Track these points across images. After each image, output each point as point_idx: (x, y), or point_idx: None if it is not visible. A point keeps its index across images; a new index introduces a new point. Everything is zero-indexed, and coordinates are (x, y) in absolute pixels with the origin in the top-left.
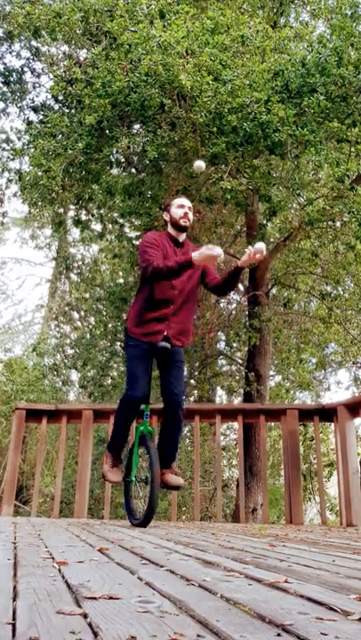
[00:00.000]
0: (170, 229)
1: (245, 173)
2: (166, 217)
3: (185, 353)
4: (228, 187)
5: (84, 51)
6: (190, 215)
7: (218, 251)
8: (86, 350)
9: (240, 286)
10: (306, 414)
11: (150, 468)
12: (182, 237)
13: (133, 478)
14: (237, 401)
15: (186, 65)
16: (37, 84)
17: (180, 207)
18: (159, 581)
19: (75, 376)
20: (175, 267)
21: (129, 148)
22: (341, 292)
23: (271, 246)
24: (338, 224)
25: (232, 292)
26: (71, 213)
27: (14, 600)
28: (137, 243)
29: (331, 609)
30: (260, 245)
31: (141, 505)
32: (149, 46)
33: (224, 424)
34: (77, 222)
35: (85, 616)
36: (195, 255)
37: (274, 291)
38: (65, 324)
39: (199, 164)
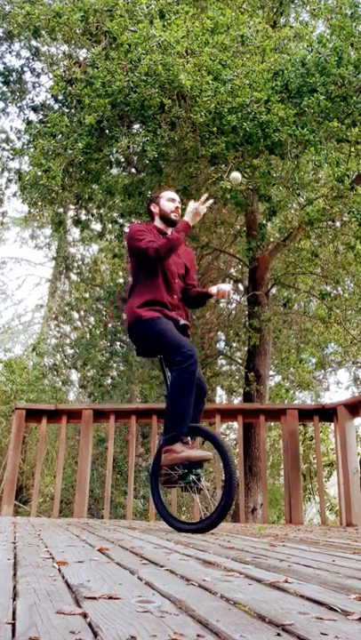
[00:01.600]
0: (157, 222)
1: (245, 173)
2: (155, 209)
3: None
4: (228, 186)
5: (84, 50)
6: (179, 210)
7: (199, 207)
8: (86, 350)
9: (240, 286)
10: (306, 414)
11: (227, 466)
12: (170, 231)
13: (191, 476)
14: (237, 401)
15: (186, 65)
16: (37, 84)
17: (171, 201)
18: (159, 581)
19: (75, 376)
20: (176, 238)
21: (129, 147)
22: (341, 292)
23: (271, 246)
24: (338, 224)
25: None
26: (71, 213)
27: (14, 600)
28: None
29: (331, 609)
30: (226, 287)
31: (199, 507)
32: (149, 46)
33: (224, 424)
34: (77, 222)
35: (85, 616)
36: (186, 217)
37: (274, 291)
38: (65, 324)
39: (235, 176)
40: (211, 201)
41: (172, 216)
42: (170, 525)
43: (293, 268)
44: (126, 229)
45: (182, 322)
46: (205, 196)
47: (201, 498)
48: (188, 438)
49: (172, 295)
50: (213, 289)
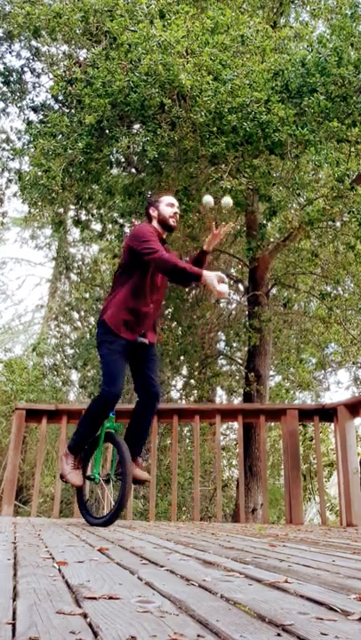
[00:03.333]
0: (155, 225)
1: (245, 173)
2: (153, 213)
3: (186, 353)
4: (228, 186)
5: (84, 50)
6: (178, 216)
7: (225, 289)
8: (86, 350)
9: (240, 286)
10: (306, 414)
11: (123, 465)
12: (165, 236)
13: (97, 476)
14: (237, 401)
15: (186, 65)
16: (37, 84)
17: (170, 206)
18: (159, 581)
19: (75, 376)
20: (186, 271)
21: (129, 147)
22: (341, 292)
23: (271, 246)
24: (338, 224)
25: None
26: (71, 213)
27: (14, 600)
28: None
29: (331, 609)
30: (207, 199)
31: (103, 503)
32: (149, 46)
33: (224, 424)
34: (77, 222)
35: (85, 616)
36: (207, 275)
37: (274, 291)
38: (65, 324)
39: (227, 202)
40: (231, 225)
41: (171, 221)
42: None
43: (293, 267)
44: (134, 223)
45: (140, 340)
46: (229, 225)
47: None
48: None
49: (148, 304)
50: (209, 237)
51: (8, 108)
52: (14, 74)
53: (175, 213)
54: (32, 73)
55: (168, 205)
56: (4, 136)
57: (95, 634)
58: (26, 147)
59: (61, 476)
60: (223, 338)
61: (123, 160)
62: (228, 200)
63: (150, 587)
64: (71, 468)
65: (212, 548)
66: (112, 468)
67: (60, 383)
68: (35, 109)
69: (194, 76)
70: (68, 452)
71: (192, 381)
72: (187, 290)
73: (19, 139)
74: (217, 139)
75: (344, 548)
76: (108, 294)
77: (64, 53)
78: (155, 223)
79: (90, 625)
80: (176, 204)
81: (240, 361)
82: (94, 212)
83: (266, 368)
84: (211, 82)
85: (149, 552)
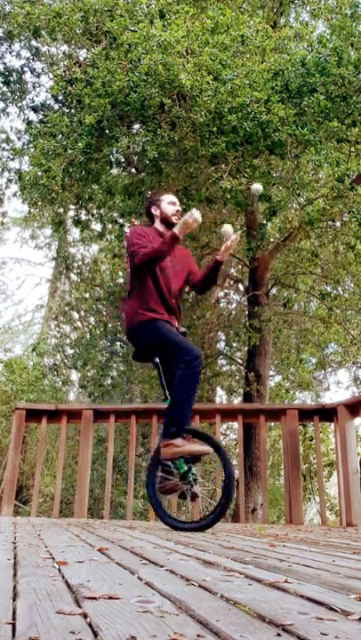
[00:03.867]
0: (158, 225)
1: (245, 173)
2: (155, 212)
3: None
4: (228, 186)
5: (84, 50)
6: (180, 214)
7: (195, 214)
8: (86, 350)
9: (240, 286)
10: (306, 414)
11: (226, 467)
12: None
13: (182, 473)
14: (237, 401)
15: (186, 64)
16: (37, 84)
17: (172, 204)
18: (159, 581)
19: (75, 376)
20: (160, 246)
21: (129, 147)
22: (341, 292)
23: (271, 246)
24: (338, 224)
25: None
26: (71, 213)
27: (14, 600)
28: None
29: (331, 609)
30: (227, 229)
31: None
32: (149, 46)
33: (224, 424)
34: (77, 222)
35: (85, 616)
36: (175, 228)
37: (274, 291)
38: (65, 324)
39: (257, 187)
40: (238, 233)
41: (173, 219)
42: (165, 524)
43: (293, 267)
44: (127, 230)
45: (181, 329)
46: (237, 235)
47: (200, 498)
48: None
49: (169, 299)
50: (223, 248)
51: (8, 108)
52: (14, 74)
53: (177, 211)
54: (32, 73)
55: (170, 204)
56: (3, 136)
57: (95, 634)
58: (26, 147)
59: (193, 454)
60: (223, 338)
61: (123, 160)
62: (258, 186)
63: (150, 587)
64: (188, 443)
65: (212, 548)
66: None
67: (60, 383)
68: (35, 109)
69: (194, 75)
70: (171, 440)
71: None
72: (186, 290)
73: (19, 139)
74: (217, 139)
75: (344, 548)
76: (125, 300)
77: (64, 53)
78: (157, 222)
79: (90, 625)
80: (177, 201)
81: (240, 361)
82: (94, 211)
83: (266, 368)
84: (211, 82)
85: (149, 552)
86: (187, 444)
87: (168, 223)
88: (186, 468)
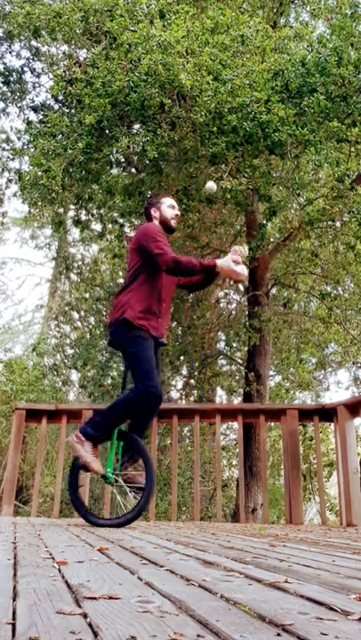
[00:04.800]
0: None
1: (245, 173)
2: (155, 213)
3: (186, 353)
4: (228, 186)
5: (84, 50)
6: (178, 219)
7: (243, 270)
8: (86, 350)
9: (240, 286)
10: (306, 414)
11: (147, 463)
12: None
13: (111, 476)
14: (237, 401)
15: (186, 64)
16: (37, 84)
17: (171, 208)
18: (159, 581)
19: (75, 376)
20: (197, 267)
21: (129, 147)
22: (341, 292)
23: (271, 246)
24: (338, 224)
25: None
26: (71, 213)
27: (14, 600)
28: None
29: (331, 609)
30: (211, 185)
31: (122, 504)
32: (149, 46)
33: (224, 424)
34: (77, 222)
35: (85, 616)
36: (221, 262)
37: (274, 291)
38: (65, 324)
39: (210, 186)
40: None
41: (172, 223)
42: (84, 519)
43: (293, 267)
44: (127, 230)
45: (161, 340)
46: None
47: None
48: (98, 446)
49: (161, 303)
50: (220, 261)
51: (8, 108)
52: (14, 74)
53: (177, 215)
54: (32, 73)
55: (170, 207)
56: (4, 136)
57: (95, 634)
58: (26, 147)
59: (84, 466)
60: (223, 338)
61: (123, 160)
62: (211, 184)
63: (150, 587)
64: (92, 455)
65: (212, 548)
66: (116, 466)
67: (60, 383)
68: (35, 109)
69: (194, 76)
70: (85, 439)
71: (192, 381)
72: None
73: (19, 139)
74: (217, 139)
75: (344, 548)
76: (118, 293)
77: (64, 53)
78: (156, 223)
79: (90, 625)
80: (177, 206)
81: (240, 361)
82: (94, 211)
83: (266, 368)
84: (211, 82)
85: (149, 552)
86: (90, 456)
87: (167, 226)
88: (112, 474)
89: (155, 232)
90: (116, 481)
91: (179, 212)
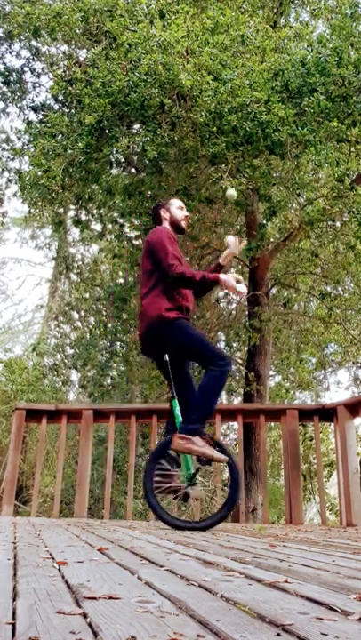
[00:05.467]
0: (167, 228)
1: (245, 173)
2: (165, 214)
3: None
4: (228, 186)
5: (84, 50)
6: (188, 220)
7: (244, 288)
8: (86, 350)
9: (240, 291)
10: (306, 414)
11: (232, 469)
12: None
13: (192, 474)
14: (237, 401)
15: (186, 64)
16: (37, 84)
17: (181, 209)
18: (159, 581)
19: (75, 376)
20: (205, 279)
21: (129, 147)
22: (341, 292)
23: (271, 246)
24: (338, 224)
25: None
26: (71, 213)
27: (14, 600)
28: (137, 243)
29: (331, 609)
30: (231, 193)
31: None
32: (149, 46)
33: (224, 424)
34: (77, 222)
35: (85, 616)
36: (224, 278)
37: (274, 291)
38: (65, 324)
39: (231, 193)
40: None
41: (183, 224)
42: (162, 521)
43: (293, 267)
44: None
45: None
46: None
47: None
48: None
49: (189, 300)
50: (224, 277)
51: (8, 108)
52: (14, 74)
53: (186, 216)
54: (32, 73)
55: (179, 208)
56: (4, 136)
57: (95, 634)
58: (26, 147)
59: (209, 458)
60: (223, 338)
61: (123, 160)
62: (232, 192)
63: (150, 587)
64: (210, 446)
65: (212, 548)
66: (189, 466)
67: (60, 383)
68: (35, 109)
69: (194, 76)
70: (192, 437)
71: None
72: None
73: (19, 139)
74: (217, 139)
75: (344, 548)
76: (142, 297)
77: (64, 53)
78: (166, 224)
79: (90, 625)
80: (184, 207)
81: (240, 361)
82: (94, 211)
83: (266, 368)
84: (211, 82)
85: (149, 552)
86: (206, 446)
87: (177, 227)
88: (194, 470)
89: (166, 239)
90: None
91: (188, 214)
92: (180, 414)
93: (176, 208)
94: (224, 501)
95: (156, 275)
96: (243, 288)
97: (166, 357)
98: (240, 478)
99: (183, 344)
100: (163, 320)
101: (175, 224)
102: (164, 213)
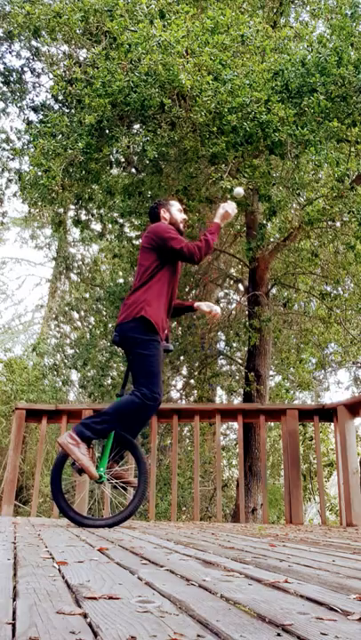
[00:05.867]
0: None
1: (245, 173)
2: (165, 214)
3: (186, 353)
4: (228, 186)
5: (84, 50)
6: (186, 223)
7: (232, 209)
8: (86, 350)
9: (240, 286)
10: (306, 414)
11: (141, 469)
12: None
13: (104, 475)
14: (237, 401)
15: (186, 64)
16: (37, 84)
17: (181, 212)
18: (159, 581)
19: (75, 376)
20: (214, 238)
21: (129, 147)
22: (341, 292)
23: (271, 246)
24: (338, 224)
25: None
26: (71, 213)
27: (14, 600)
28: (137, 243)
29: (331, 609)
30: (239, 190)
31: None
32: (149, 46)
33: (224, 424)
34: (77, 222)
35: (85, 616)
36: (216, 219)
37: (274, 291)
38: (65, 324)
39: (238, 191)
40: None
41: (182, 225)
42: (70, 520)
43: (293, 267)
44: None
45: (166, 345)
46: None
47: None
48: (92, 449)
49: (170, 309)
50: (202, 305)
51: (8, 108)
52: (14, 74)
53: (185, 219)
54: (32, 73)
55: (179, 211)
56: (4, 136)
57: (95, 634)
58: (26, 147)
59: (79, 468)
60: (223, 338)
61: (123, 160)
62: (240, 190)
63: (150, 587)
64: (89, 459)
65: (212, 548)
66: (101, 466)
67: (60, 383)
68: (35, 109)
69: (194, 75)
70: (80, 441)
71: (192, 381)
72: (186, 289)
73: (19, 139)
74: (217, 139)
75: (344, 548)
76: (132, 292)
77: (64, 53)
78: (165, 223)
79: (90, 625)
80: (183, 210)
81: (240, 361)
82: (94, 212)
83: (266, 368)
84: (211, 82)
85: (149, 552)
86: (87, 460)
87: (177, 229)
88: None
89: (167, 228)
90: (108, 480)
91: (186, 217)
92: None
93: (176, 210)
94: (132, 498)
95: (154, 271)
96: (216, 309)
97: (131, 356)
98: (147, 482)
99: (137, 351)
100: (144, 321)
101: (174, 226)
102: (164, 213)
